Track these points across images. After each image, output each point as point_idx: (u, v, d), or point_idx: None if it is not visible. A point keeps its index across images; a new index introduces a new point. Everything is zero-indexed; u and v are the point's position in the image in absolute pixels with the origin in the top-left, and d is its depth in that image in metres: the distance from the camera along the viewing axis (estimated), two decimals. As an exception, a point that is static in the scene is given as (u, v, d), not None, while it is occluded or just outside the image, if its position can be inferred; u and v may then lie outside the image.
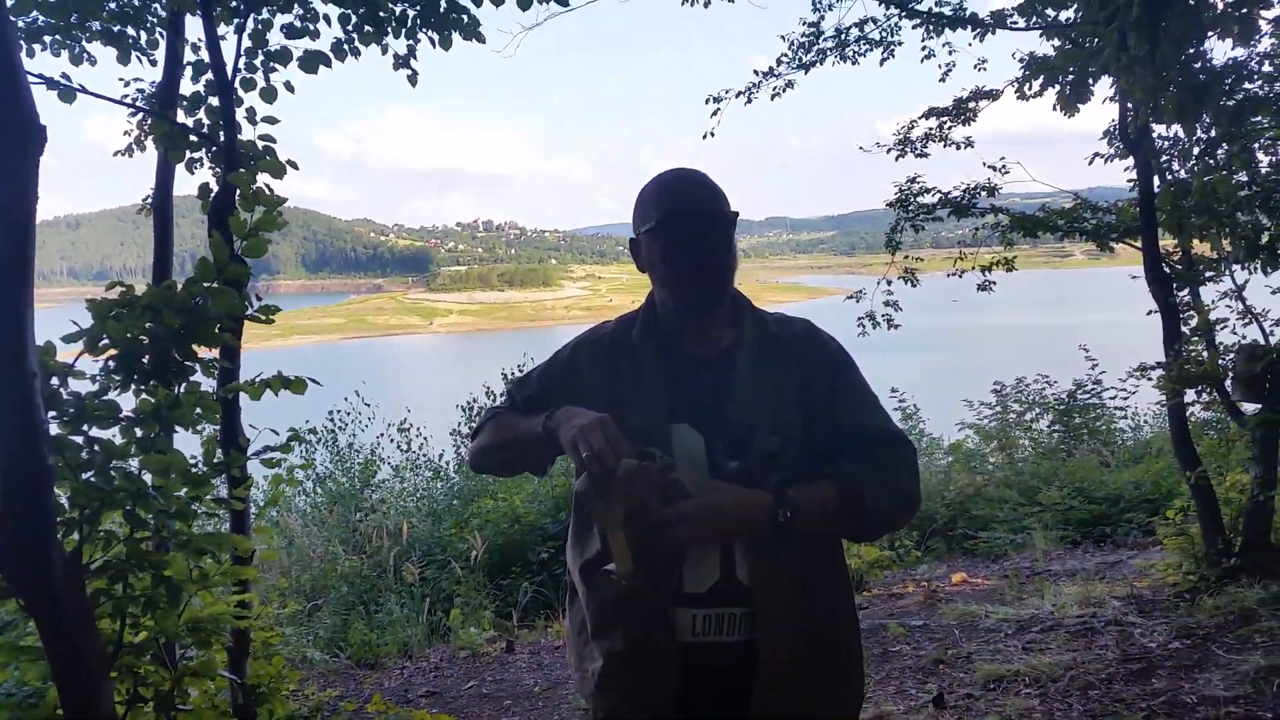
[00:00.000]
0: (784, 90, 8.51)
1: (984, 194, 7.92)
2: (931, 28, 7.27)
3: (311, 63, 4.39)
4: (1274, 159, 6.08)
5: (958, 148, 8.32)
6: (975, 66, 7.84)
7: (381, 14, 4.64)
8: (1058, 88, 6.39)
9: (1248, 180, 6.28)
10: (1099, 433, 13.77)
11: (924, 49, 8.02)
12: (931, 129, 8.19)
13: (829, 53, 7.92)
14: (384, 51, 4.83)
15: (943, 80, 8.33)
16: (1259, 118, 6.27)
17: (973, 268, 8.22)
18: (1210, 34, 5.92)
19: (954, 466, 14.13)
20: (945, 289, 9.00)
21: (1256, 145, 6.40)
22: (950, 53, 8.00)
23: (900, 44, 8.18)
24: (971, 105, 7.70)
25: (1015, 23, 6.69)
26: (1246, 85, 6.17)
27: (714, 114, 8.61)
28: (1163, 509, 7.85)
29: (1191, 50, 5.74)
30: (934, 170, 8.37)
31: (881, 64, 8.37)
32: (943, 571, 10.70)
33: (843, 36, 7.84)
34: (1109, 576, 8.43)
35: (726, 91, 8.53)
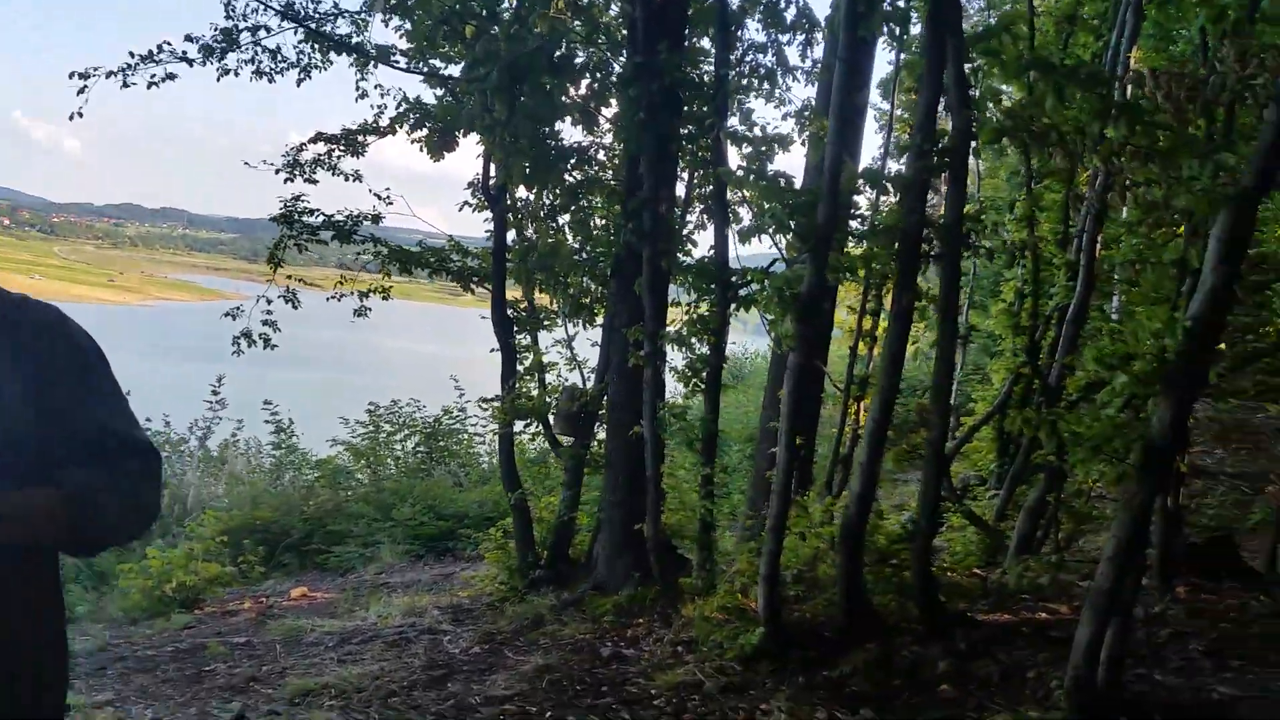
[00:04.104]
0: (164, 80, 7.64)
1: (368, 222, 8.02)
2: (318, 47, 7.21)
3: None
4: (600, 233, 7.28)
5: (345, 178, 8.23)
6: (356, 99, 7.87)
7: None
8: (425, 132, 6.82)
9: (579, 247, 7.47)
10: (458, 455, 14.94)
11: (357, 76, 7.87)
12: (321, 155, 8.02)
13: (216, 56, 7.32)
14: None
15: (358, 100, 8.25)
16: (595, 197, 7.53)
17: (351, 292, 8.29)
18: (564, 118, 6.97)
19: (320, 482, 14.12)
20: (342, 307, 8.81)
21: (592, 219, 7.66)
22: (376, 85, 7.93)
23: (318, 68, 7.96)
24: (360, 139, 7.75)
25: (397, 62, 7.02)
26: (586, 168, 7.37)
27: (80, 91, 7.41)
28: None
29: (547, 129, 6.63)
30: (335, 193, 8.29)
31: (299, 84, 8.03)
32: (288, 586, 10.56)
33: (233, 39, 7.32)
34: (439, 588, 9.14)
35: (95, 69, 7.43)
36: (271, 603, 9.25)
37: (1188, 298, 4.08)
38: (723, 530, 9.72)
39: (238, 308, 8.11)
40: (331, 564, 11.52)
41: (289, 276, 8.12)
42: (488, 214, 7.51)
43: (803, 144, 7.00)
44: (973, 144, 4.79)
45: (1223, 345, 6.28)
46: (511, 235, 7.80)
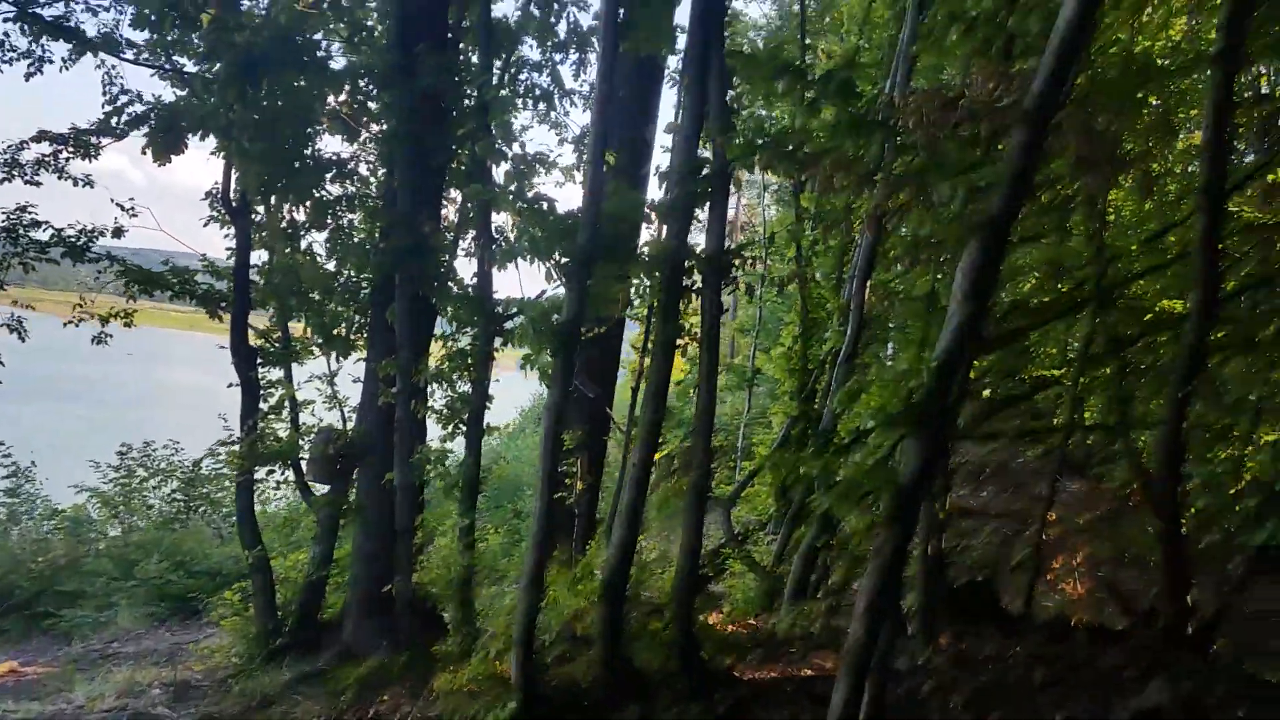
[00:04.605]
0: None
1: (110, 237, 7.00)
2: (30, 30, 6.16)
3: None
4: (360, 256, 6.55)
5: (75, 183, 7.14)
6: (102, 100, 6.84)
7: None
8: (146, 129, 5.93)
9: (335, 271, 6.72)
10: (220, 503, 13.45)
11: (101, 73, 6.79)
12: (45, 156, 6.90)
13: None
14: None
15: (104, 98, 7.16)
16: (355, 214, 6.81)
17: (92, 317, 7.21)
18: (319, 125, 6.26)
19: (58, 534, 12.33)
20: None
21: (352, 240, 6.91)
22: (120, 87, 6.88)
23: (49, 60, 6.85)
24: (94, 140, 6.70)
25: (124, 53, 6.09)
26: (347, 183, 6.66)
27: None
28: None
29: (292, 136, 5.90)
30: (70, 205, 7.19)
31: (28, 79, 6.89)
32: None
33: None
34: (174, 658, 7.96)
35: None
36: (-39, 682, 7.76)
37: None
38: (509, 584, 9.10)
39: None
40: (62, 628, 10.01)
41: (14, 301, 6.97)
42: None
43: (579, 171, 6.65)
44: (734, 170, 4.54)
45: (985, 391, 6.38)
46: (264, 255, 6.97)
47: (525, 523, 12.36)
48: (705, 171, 4.22)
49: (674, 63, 8.29)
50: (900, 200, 3.49)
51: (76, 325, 7.29)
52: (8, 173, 6.88)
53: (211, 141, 5.75)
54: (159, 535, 12.19)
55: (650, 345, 6.65)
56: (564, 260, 4.77)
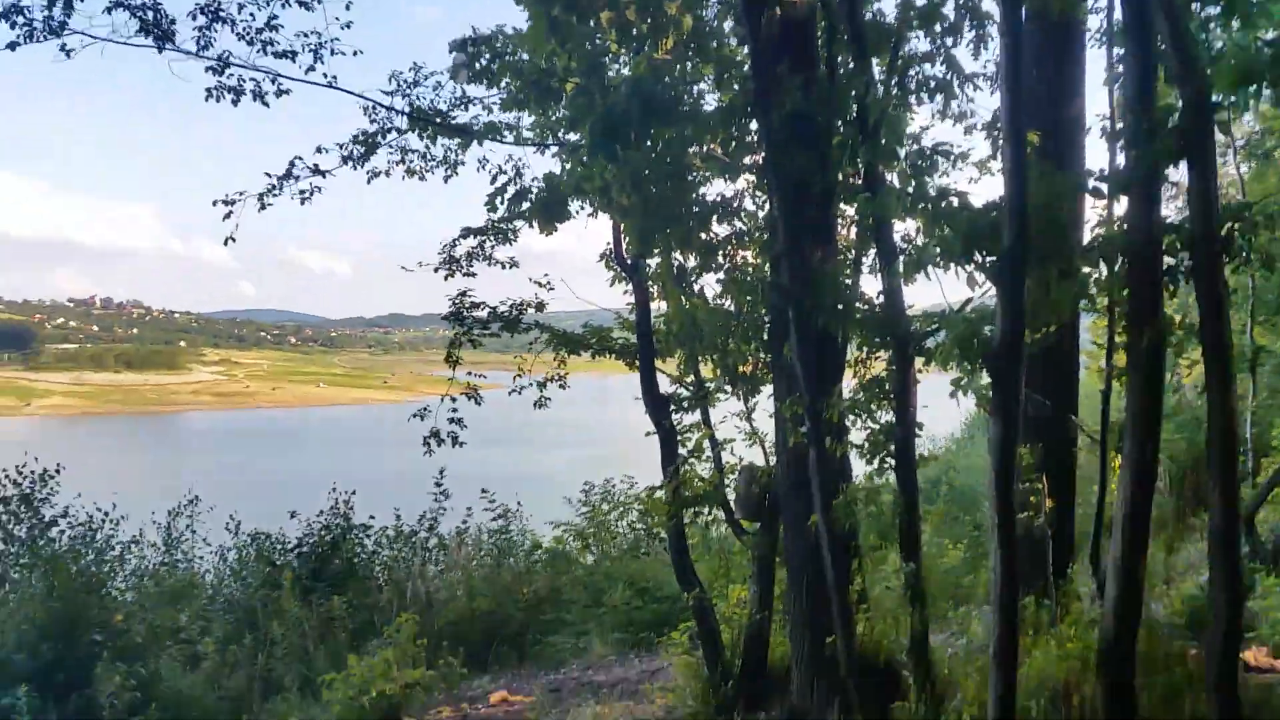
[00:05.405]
0: (311, 194, 7.67)
1: (531, 310, 7.68)
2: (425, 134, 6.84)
3: None
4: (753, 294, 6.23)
5: (503, 267, 7.98)
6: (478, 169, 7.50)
7: None
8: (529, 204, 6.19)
9: (734, 312, 6.47)
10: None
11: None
12: (474, 248, 7.77)
13: (356, 161, 7.22)
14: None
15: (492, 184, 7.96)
16: (747, 250, 6.53)
17: (530, 385, 7.95)
18: (696, 172, 6.06)
19: (540, 567, 13.79)
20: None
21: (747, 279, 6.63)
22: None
23: (463, 163, 7.78)
24: (504, 225, 7.37)
25: (504, 137, 6.47)
26: (732, 221, 6.41)
27: (226, 217, 7.51)
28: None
29: (670, 184, 5.75)
30: (493, 284, 8.11)
31: (446, 180, 7.87)
32: (491, 686, 10.14)
33: (373, 145, 7.19)
34: (639, 693, 8.28)
35: (241, 193, 7.52)
36: (467, 713, 8.81)
37: None
38: (975, 607, 8.15)
39: (425, 408, 7.98)
40: (547, 654, 11.08)
41: (469, 373, 7.86)
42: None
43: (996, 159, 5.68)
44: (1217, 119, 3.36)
45: None
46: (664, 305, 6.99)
47: (983, 536, 11.21)
48: (1171, 124, 3.16)
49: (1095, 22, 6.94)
50: None
51: (520, 394, 8.00)
52: (449, 269, 7.73)
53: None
54: (623, 564, 13.09)
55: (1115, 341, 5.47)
56: (988, 261, 3.94)
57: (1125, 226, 3.63)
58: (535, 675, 10.56)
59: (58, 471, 12.10)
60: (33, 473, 11.86)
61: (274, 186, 7.33)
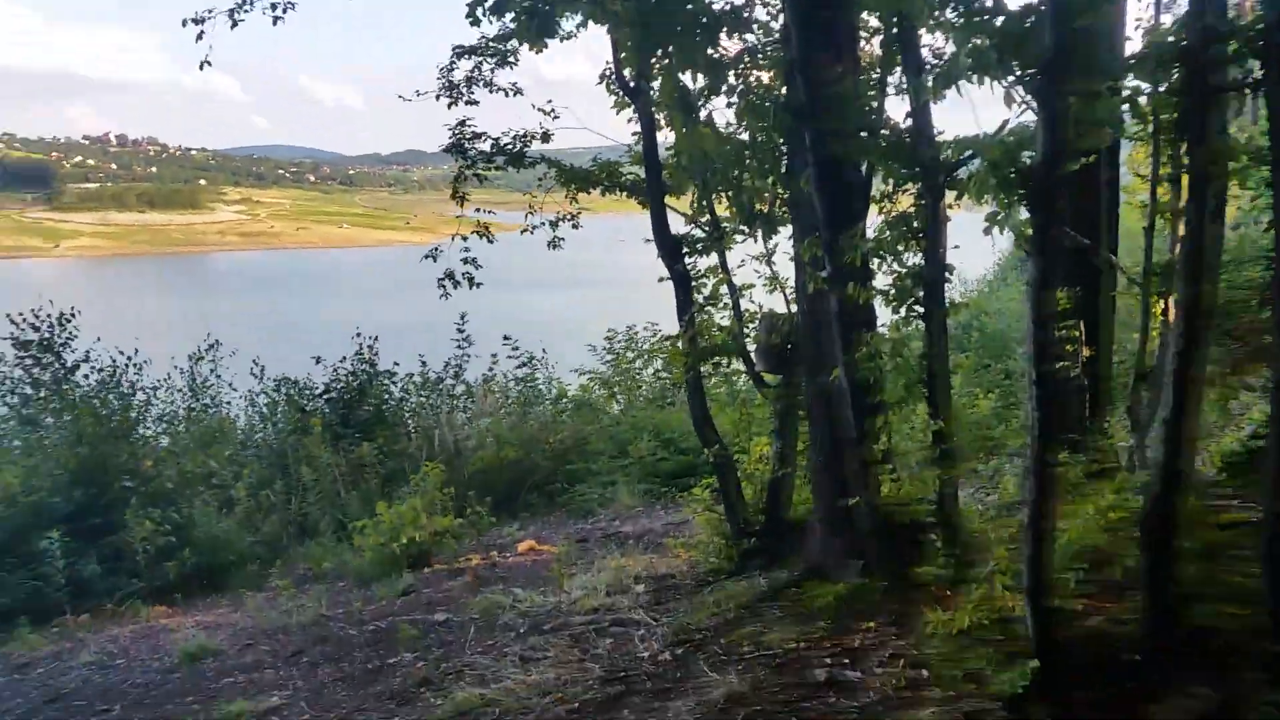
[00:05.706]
0: (284, 9, 7.02)
1: (537, 141, 7.14)
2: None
3: None
4: (766, 120, 5.53)
5: (505, 94, 7.33)
6: None
7: None
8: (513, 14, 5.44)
9: (748, 140, 5.79)
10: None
11: None
12: (472, 71, 7.08)
13: None
14: None
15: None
16: (762, 70, 5.77)
17: (542, 224, 7.49)
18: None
19: (567, 415, 13.62)
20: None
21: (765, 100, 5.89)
22: None
23: None
24: (501, 45, 6.63)
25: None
26: (746, 35, 5.61)
27: (199, 38, 6.95)
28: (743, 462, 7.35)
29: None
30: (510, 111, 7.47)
31: None
32: (521, 534, 10.16)
33: None
34: (662, 547, 8.16)
35: (210, 11, 6.90)
36: (493, 562, 8.82)
37: None
38: (1003, 457, 7.77)
39: (436, 248, 7.66)
40: (575, 503, 11.06)
41: (477, 209, 7.39)
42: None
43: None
44: None
45: None
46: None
47: (1014, 384, 10.70)
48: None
49: None
50: None
51: (531, 233, 7.53)
52: (450, 96, 7.10)
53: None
54: (649, 414, 12.89)
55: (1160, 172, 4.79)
56: (1026, 75, 3.29)
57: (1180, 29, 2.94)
58: (563, 524, 10.59)
59: (74, 315, 11.96)
60: (49, 316, 11.71)
61: (244, 1, 6.73)
